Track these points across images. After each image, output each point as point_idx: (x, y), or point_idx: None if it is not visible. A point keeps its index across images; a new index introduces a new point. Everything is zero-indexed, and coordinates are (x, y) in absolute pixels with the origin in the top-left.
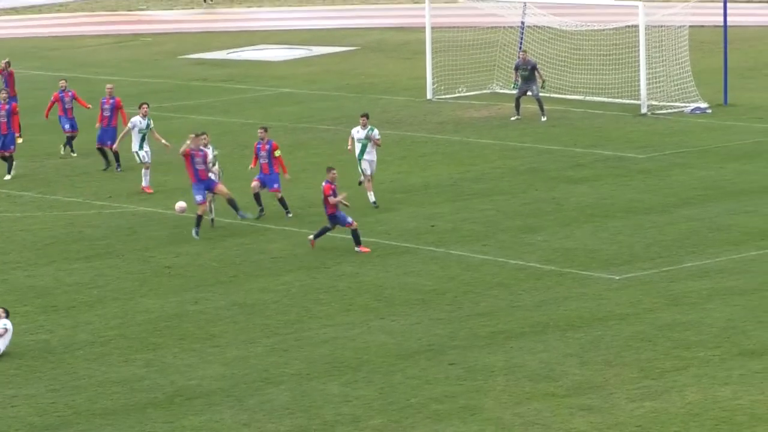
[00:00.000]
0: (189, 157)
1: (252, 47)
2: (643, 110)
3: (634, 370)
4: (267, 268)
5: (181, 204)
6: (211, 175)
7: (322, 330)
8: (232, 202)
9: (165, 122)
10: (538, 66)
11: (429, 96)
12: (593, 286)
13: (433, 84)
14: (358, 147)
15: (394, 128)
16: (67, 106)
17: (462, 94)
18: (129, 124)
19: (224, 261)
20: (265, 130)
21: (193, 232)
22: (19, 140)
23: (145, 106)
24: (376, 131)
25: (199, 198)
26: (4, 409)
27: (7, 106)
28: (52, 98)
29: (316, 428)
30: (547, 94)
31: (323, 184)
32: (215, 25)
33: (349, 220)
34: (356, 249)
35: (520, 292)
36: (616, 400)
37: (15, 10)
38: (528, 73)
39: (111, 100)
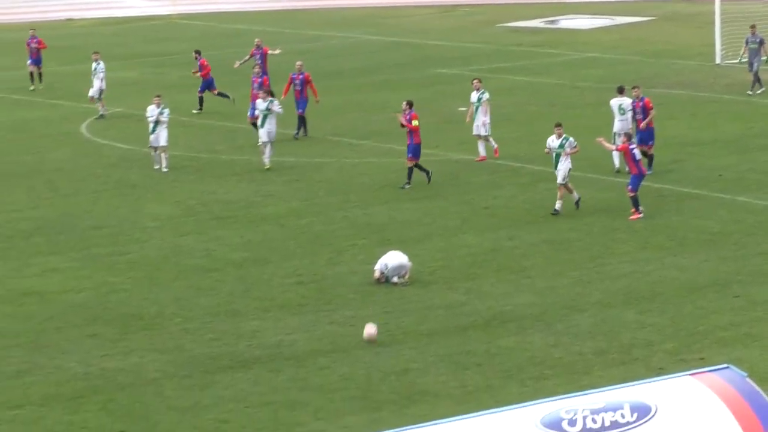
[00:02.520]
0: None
1: (563, 17)
2: None
3: None
4: (573, 211)
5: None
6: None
7: (620, 265)
8: None
9: (484, 82)
10: (766, 42)
11: (718, 61)
12: None
13: (722, 50)
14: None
15: (686, 89)
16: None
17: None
18: (471, 98)
19: (535, 203)
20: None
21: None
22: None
23: (476, 81)
24: (571, 140)
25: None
26: (344, 327)
27: (259, 80)
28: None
29: (615, 350)
30: None
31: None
32: None
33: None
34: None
35: None
36: None
37: None
38: (756, 46)
39: (300, 76)
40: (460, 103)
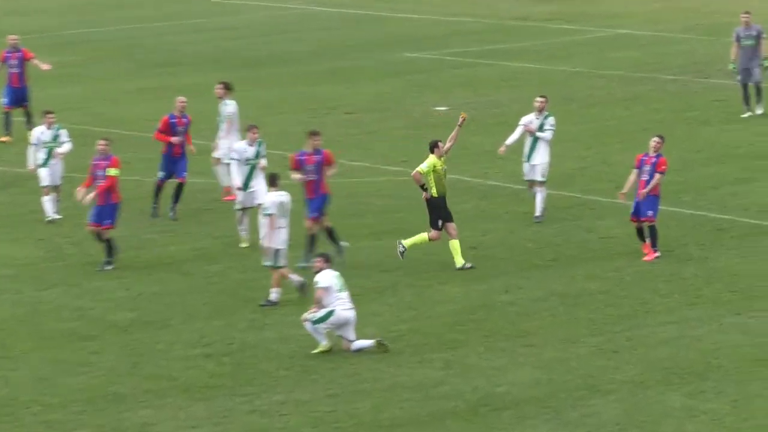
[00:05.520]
0: None
1: None
2: None
3: None
4: (594, 251)
5: None
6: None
7: (661, 327)
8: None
9: (472, 69)
10: (764, 35)
11: None
12: None
13: None
14: None
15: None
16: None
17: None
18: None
19: (541, 241)
20: None
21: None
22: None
23: (219, 88)
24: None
25: None
26: (271, 418)
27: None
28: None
29: None
30: None
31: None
32: None
33: (649, 213)
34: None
35: None
36: None
37: None
38: (753, 42)
39: (184, 119)
40: (437, 100)
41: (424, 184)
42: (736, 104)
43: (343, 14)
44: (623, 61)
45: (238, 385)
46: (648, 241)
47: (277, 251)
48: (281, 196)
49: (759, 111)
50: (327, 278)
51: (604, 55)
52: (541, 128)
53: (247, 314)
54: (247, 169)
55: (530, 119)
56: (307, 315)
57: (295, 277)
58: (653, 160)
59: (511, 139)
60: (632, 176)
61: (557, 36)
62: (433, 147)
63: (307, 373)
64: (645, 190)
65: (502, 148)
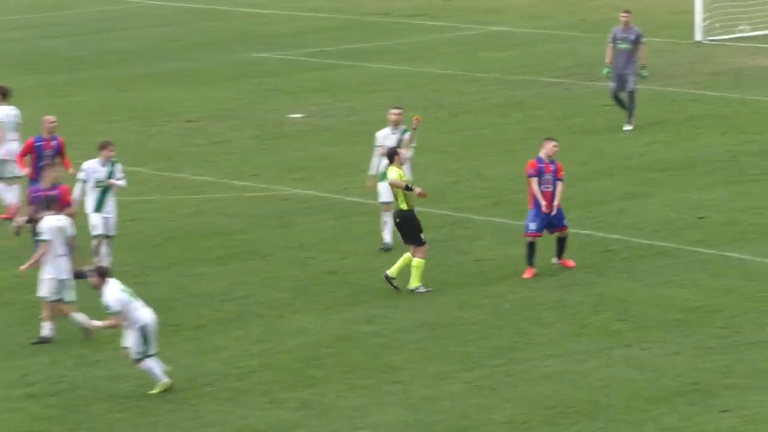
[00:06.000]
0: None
1: None
2: None
3: None
4: (468, 275)
5: None
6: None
7: (543, 361)
8: None
9: (329, 71)
10: (644, 38)
11: (698, 37)
12: None
13: (705, 20)
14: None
15: (649, 81)
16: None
17: (744, 35)
18: None
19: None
20: None
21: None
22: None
23: None
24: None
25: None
26: None
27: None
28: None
29: None
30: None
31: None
32: None
33: (564, 222)
34: (555, 261)
35: None
36: None
37: None
38: (630, 46)
39: (53, 141)
40: (291, 106)
41: (407, 184)
42: (640, 107)
43: (180, 8)
44: (499, 62)
45: (65, 430)
46: (555, 255)
47: (60, 282)
48: (60, 221)
49: (628, 127)
50: (116, 295)
51: (476, 55)
52: (399, 145)
53: (75, 350)
54: (98, 192)
55: (386, 134)
56: (130, 354)
57: (79, 317)
58: (552, 167)
59: (377, 165)
60: (535, 185)
61: (423, 34)
62: (392, 156)
63: (145, 416)
64: (556, 203)
65: (369, 183)
